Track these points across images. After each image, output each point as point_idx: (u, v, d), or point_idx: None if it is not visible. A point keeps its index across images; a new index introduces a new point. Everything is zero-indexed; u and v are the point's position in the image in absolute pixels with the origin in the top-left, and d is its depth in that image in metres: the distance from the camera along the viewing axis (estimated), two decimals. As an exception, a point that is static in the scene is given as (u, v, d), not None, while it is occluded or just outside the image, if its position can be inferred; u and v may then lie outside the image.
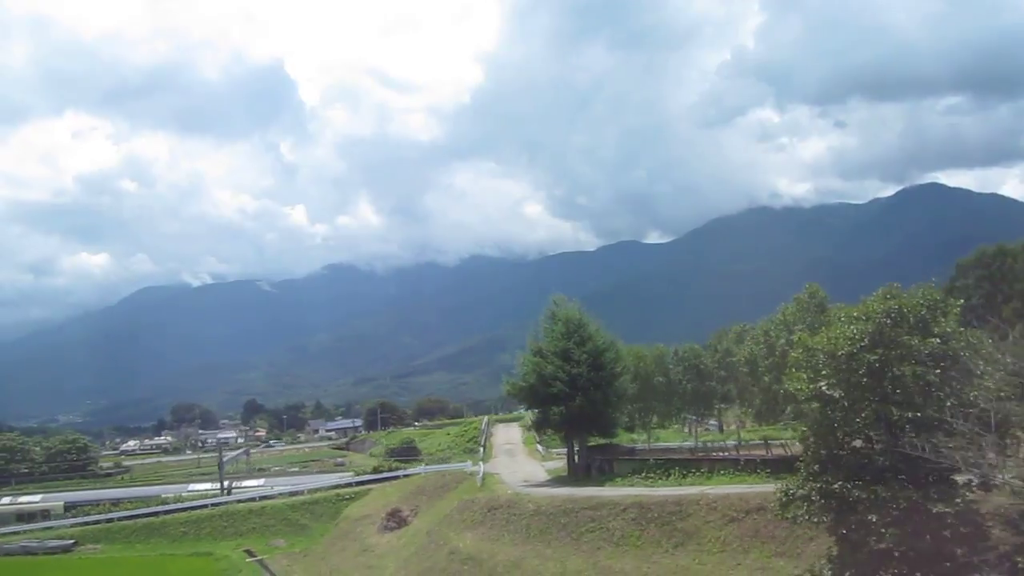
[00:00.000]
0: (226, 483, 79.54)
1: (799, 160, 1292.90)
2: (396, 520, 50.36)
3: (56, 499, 79.48)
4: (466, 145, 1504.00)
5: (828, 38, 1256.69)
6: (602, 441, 56.33)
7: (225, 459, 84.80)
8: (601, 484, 47.86)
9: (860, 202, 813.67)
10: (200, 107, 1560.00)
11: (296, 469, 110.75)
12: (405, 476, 69.35)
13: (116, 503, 75.24)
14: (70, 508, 75.05)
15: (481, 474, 51.76)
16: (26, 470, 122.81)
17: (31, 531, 68.45)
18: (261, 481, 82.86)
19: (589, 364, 49.87)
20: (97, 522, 68.58)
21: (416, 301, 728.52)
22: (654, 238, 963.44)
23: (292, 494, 70.14)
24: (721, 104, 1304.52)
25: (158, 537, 64.10)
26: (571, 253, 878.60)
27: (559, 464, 60.50)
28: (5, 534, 68.09)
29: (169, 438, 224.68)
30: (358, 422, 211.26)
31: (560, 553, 37.20)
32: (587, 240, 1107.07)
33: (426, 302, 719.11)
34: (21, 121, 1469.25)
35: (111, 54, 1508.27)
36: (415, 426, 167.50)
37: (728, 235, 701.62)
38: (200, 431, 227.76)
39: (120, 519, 68.41)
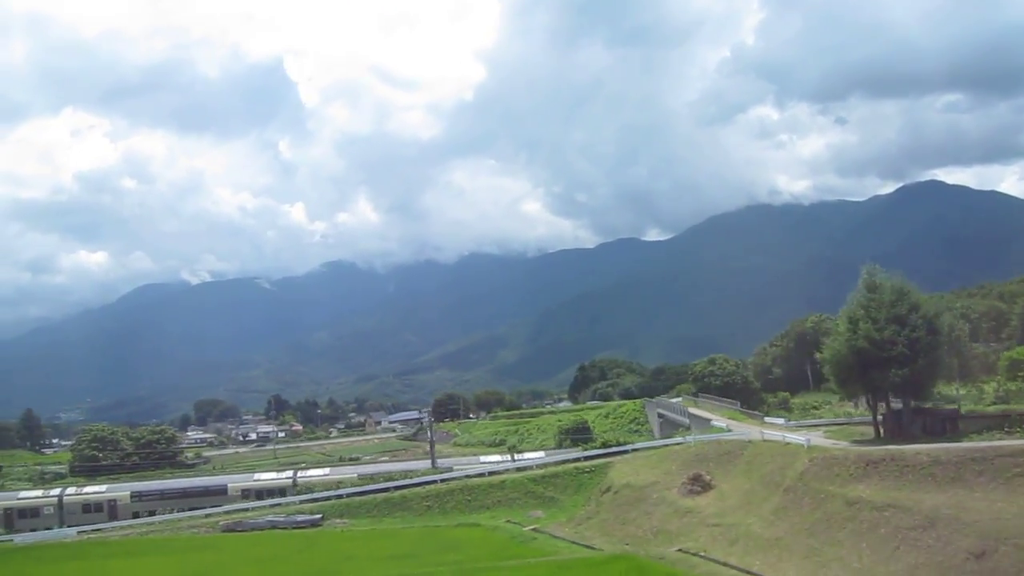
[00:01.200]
0: (289, 472, 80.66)
1: (798, 157, 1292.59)
2: (700, 484, 50.83)
3: (122, 488, 79.85)
4: (465, 142, 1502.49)
5: (828, 35, 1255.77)
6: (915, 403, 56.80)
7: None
8: (952, 441, 46.22)
9: (859, 199, 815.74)
10: (199, 105, 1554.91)
11: (386, 457, 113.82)
12: (653, 448, 68.55)
13: (185, 493, 76.29)
14: (135, 498, 75.63)
15: (808, 441, 51.25)
16: (116, 460, 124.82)
17: (273, 508, 68.66)
18: (327, 470, 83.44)
19: (926, 328, 51.60)
20: (327, 499, 68.84)
21: (416, 299, 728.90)
22: (654, 235, 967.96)
23: (520, 469, 70.50)
24: (721, 101, 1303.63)
25: (402, 511, 64.60)
26: (570, 250, 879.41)
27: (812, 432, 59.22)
28: (250, 510, 68.54)
29: (204, 432, 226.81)
30: (415, 414, 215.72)
31: (992, 497, 36.54)
32: (586, 237, 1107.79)
33: (426, 300, 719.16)
34: (19, 119, 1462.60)
35: (110, 52, 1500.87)
36: (479, 417, 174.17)
37: (727, 232, 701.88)
38: (240, 425, 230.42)
39: (351, 495, 68.79)
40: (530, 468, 69.87)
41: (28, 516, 73.17)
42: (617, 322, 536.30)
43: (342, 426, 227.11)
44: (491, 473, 69.89)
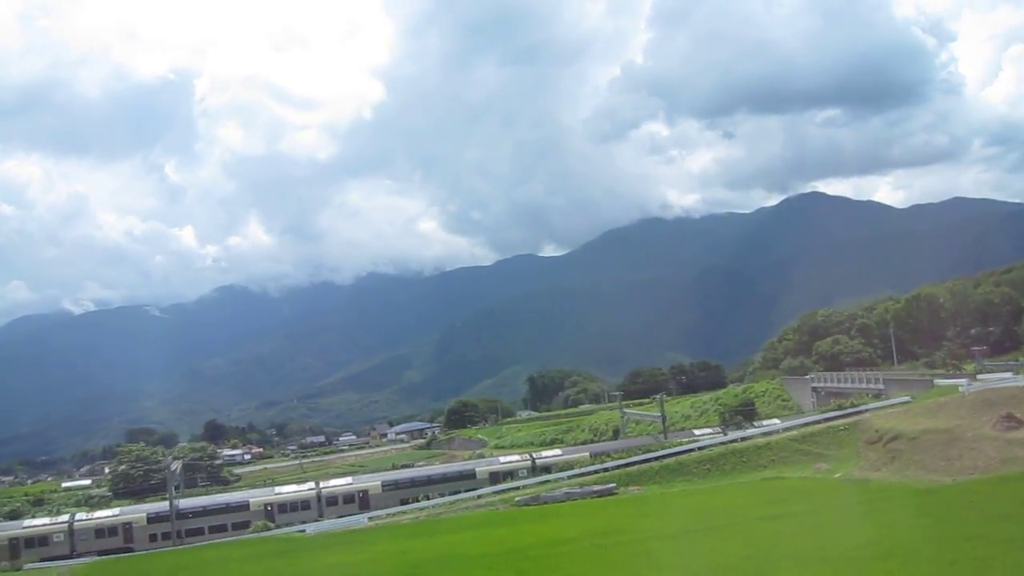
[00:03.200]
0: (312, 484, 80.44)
1: (688, 172, 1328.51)
2: (1015, 421, 52.44)
3: (138, 511, 76.37)
4: (360, 162, 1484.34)
5: (714, 53, 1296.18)
6: None
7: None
8: None
9: (747, 211, 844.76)
10: (79, 126, 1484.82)
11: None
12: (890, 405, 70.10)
13: (205, 511, 73.40)
14: (152, 521, 71.73)
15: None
16: (156, 481, 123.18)
17: (565, 480, 68.55)
18: (558, 451, 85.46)
19: None
20: (606, 469, 69.12)
21: (313, 321, 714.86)
22: (550, 251, 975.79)
23: (768, 433, 72.69)
24: (613, 118, 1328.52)
25: (684, 476, 65.01)
26: (468, 268, 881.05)
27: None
28: (546, 482, 69.14)
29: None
30: (421, 425, 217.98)
31: None
32: (483, 255, 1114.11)
33: (323, 322, 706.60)
34: None
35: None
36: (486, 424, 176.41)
37: (623, 246, 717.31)
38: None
39: (630, 464, 69.42)
40: (776, 432, 72.52)
41: (36, 545, 68.63)
42: (520, 337, 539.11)
43: (398, 435, 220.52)
44: (743, 439, 71.93)
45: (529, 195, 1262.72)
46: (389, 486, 76.79)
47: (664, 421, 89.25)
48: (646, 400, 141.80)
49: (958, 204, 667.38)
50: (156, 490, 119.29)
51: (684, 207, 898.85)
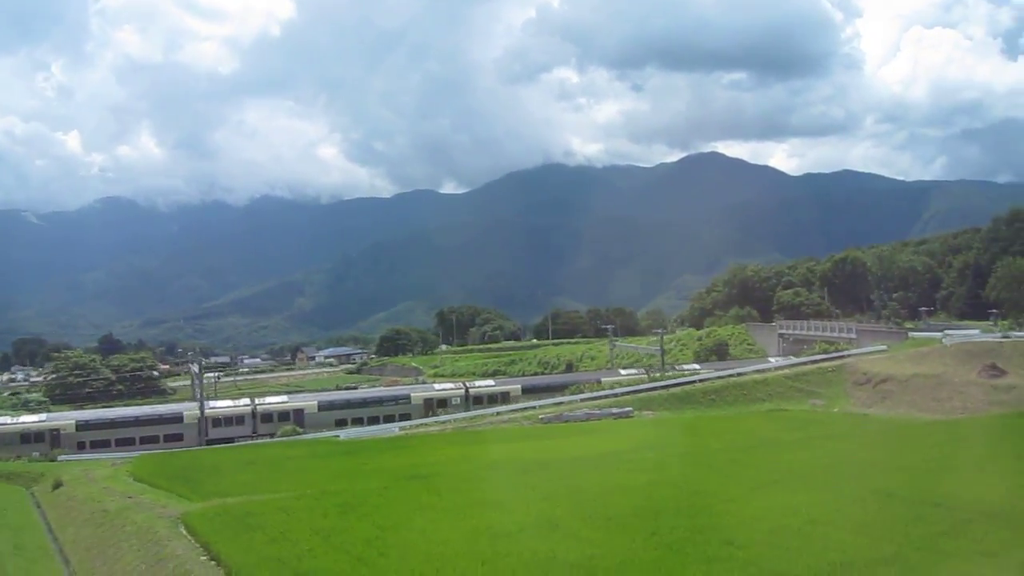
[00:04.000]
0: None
1: (593, 121, 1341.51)
2: (996, 371, 57.03)
3: (67, 418, 74.48)
4: (261, 80, 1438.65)
5: (630, 4, 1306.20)
6: None
7: None
8: None
9: (647, 165, 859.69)
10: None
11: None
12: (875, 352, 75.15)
13: (137, 421, 72.21)
14: (81, 428, 70.02)
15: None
16: (95, 388, 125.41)
17: (585, 402, 70.35)
18: (284, 397, 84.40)
19: None
20: (615, 395, 71.54)
21: (202, 241, 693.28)
22: (450, 188, 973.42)
23: (761, 370, 76.11)
24: (524, 60, 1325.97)
25: (691, 404, 67.83)
26: (366, 199, 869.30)
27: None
28: (565, 403, 70.29)
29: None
30: (348, 350, 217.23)
31: None
32: (383, 187, 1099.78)
33: (214, 242, 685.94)
34: None
35: None
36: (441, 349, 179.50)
37: (523, 189, 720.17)
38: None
39: (642, 391, 72.13)
40: (768, 370, 76.41)
41: None
42: (415, 273, 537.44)
43: (327, 358, 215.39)
44: (739, 373, 75.30)
45: (433, 130, 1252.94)
46: (325, 406, 77.23)
47: (663, 355, 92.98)
48: (565, 340, 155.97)
49: (847, 176, 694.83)
50: (92, 398, 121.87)
51: (587, 156, 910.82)
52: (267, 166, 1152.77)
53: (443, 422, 68.73)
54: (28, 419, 74.92)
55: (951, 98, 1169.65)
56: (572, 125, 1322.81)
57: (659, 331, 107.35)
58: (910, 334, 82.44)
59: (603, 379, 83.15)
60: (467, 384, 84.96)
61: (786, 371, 74.80)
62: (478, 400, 79.22)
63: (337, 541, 21.56)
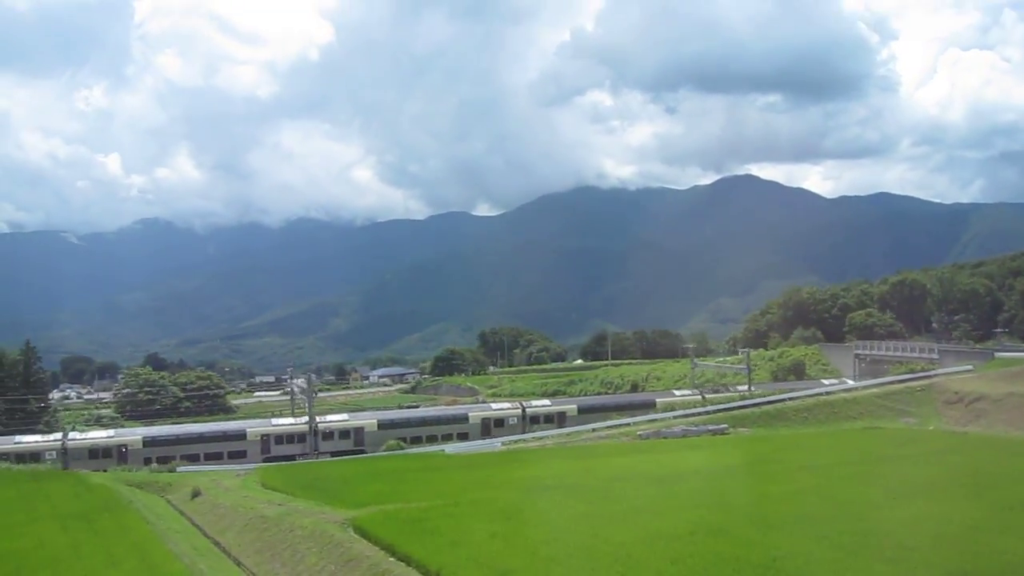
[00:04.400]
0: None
1: (627, 144, 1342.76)
2: None
3: (134, 434, 75.96)
4: (299, 103, 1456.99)
5: (664, 27, 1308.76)
6: None
7: None
8: None
9: (681, 188, 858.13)
10: (3, 38, 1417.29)
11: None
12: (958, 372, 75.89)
13: (202, 438, 73.28)
14: (148, 444, 71.24)
15: None
16: (167, 405, 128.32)
17: (677, 419, 70.58)
18: (344, 415, 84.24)
19: None
20: (708, 412, 72.26)
21: (239, 262, 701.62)
22: (484, 211, 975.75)
23: (849, 389, 77.54)
24: (558, 83, 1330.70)
25: (784, 422, 68.36)
26: (400, 221, 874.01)
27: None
28: (659, 420, 71.12)
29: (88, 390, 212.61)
30: (402, 370, 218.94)
31: None
32: (417, 209, 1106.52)
33: (249, 264, 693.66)
34: None
35: None
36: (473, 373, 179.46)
37: (556, 212, 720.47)
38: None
39: (735, 408, 73.22)
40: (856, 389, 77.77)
41: (28, 461, 67.86)
42: (450, 295, 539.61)
43: (381, 378, 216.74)
44: (827, 393, 76.71)
45: (468, 153, 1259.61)
46: (385, 424, 77.71)
47: (749, 373, 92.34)
48: (625, 361, 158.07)
49: (883, 199, 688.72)
50: (160, 414, 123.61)
51: (620, 178, 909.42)
52: (303, 188, 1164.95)
53: (541, 438, 69.25)
54: (97, 435, 76.02)
55: (989, 120, 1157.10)
56: (605, 148, 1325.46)
57: (744, 350, 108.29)
58: (996, 354, 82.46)
59: (658, 400, 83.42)
60: (523, 404, 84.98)
61: (874, 390, 74.92)
62: (534, 420, 79.45)
63: (518, 544, 22.36)
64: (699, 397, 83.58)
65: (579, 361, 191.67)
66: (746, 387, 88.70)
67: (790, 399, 74.86)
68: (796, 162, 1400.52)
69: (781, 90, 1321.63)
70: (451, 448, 66.08)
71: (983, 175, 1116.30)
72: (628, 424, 70.86)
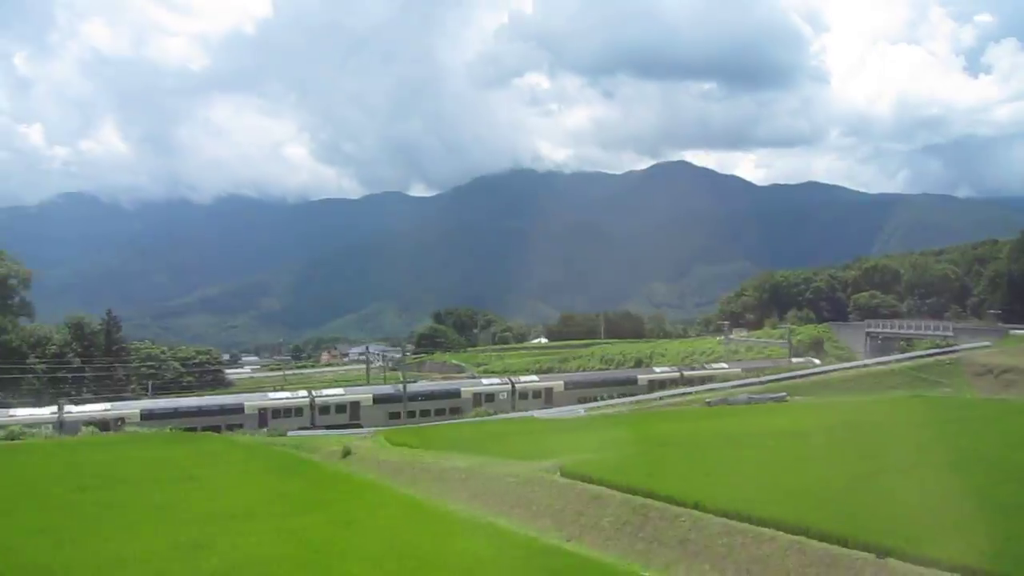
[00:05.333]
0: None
1: (563, 127, 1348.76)
2: None
3: (132, 407, 74.71)
4: (231, 78, 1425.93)
5: (603, 13, 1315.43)
6: None
7: None
8: None
9: (616, 172, 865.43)
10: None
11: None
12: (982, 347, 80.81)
13: (200, 411, 72.14)
14: (146, 417, 69.17)
15: None
16: (162, 380, 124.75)
17: (735, 388, 73.63)
18: (340, 390, 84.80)
19: None
20: (762, 383, 75.38)
21: (167, 239, 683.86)
22: (419, 191, 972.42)
23: (884, 362, 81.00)
24: (495, 65, 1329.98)
25: (831, 390, 70.29)
26: (334, 200, 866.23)
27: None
28: (719, 389, 73.49)
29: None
30: (379, 347, 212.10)
31: None
32: (351, 188, 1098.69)
33: (178, 240, 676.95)
34: None
35: None
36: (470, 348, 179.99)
37: (493, 194, 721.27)
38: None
39: (783, 379, 76.38)
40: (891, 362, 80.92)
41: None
42: (385, 275, 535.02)
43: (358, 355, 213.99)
44: (864, 365, 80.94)
45: (403, 133, 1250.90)
46: (380, 399, 78.72)
47: (790, 348, 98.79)
48: (623, 340, 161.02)
49: (813, 188, 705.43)
50: (163, 388, 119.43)
51: (556, 161, 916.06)
52: (233, 165, 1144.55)
53: (613, 405, 72.03)
54: (93, 408, 74.37)
55: (914, 113, 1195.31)
56: (542, 130, 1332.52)
57: (784, 325, 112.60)
58: (1010, 332, 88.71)
59: (639, 376, 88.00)
60: (512, 380, 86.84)
61: (907, 363, 78.91)
62: (523, 395, 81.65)
63: (763, 478, 26.45)
64: (678, 374, 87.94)
65: (542, 340, 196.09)
66: (725, 364, 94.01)
67: (834, 370, 79.96)
68: (729, 150, 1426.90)
69: (716, 78, 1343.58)
70: (539, 414, 68.89)
71: (907, 166, 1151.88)
72: (690, 393, 74.84)
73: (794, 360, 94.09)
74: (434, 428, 60.62)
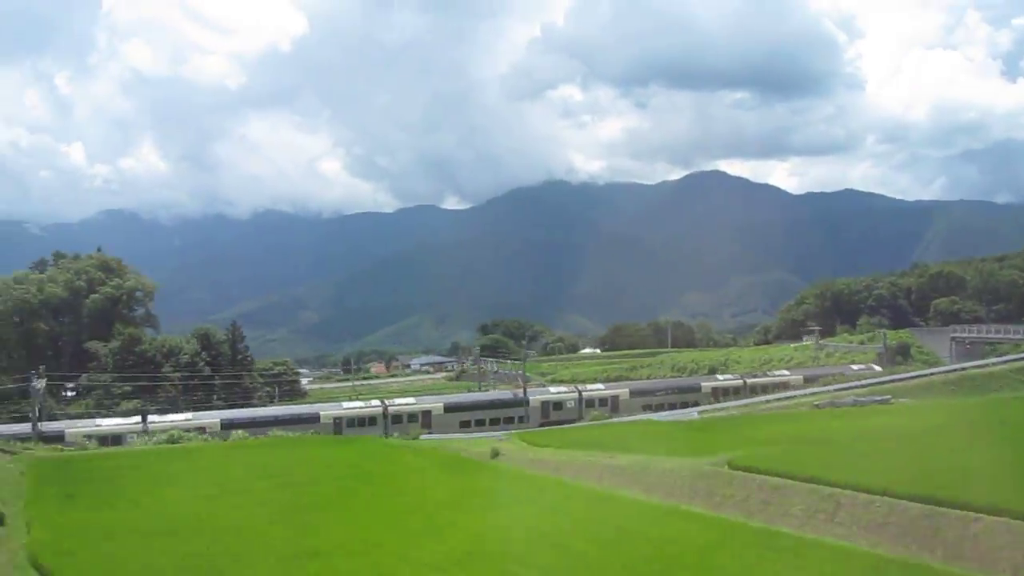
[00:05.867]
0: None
1: (596, 138, 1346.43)
2: None
3: (212, 417, 77.21)
4: (266, 94, 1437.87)
5: (634, 23, 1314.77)
6: None
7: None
8: None
9: (650, 183, 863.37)
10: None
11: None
12: None
13: (277, 420, 73.73)
14: (225, 426, 70.67)
15: None
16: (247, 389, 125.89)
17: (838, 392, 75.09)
18: (411, 399, 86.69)
19: None
20: (862, 385, 77.43)
21: (205, 254, 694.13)
22: (452, 204, 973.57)
23: (982, 366, 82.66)
24: (528, 77, 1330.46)
25: (933, 394, 71.13)
26: (369, 214, 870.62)
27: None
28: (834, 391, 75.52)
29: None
30: (439, 358, 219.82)
31: None
32: (385, 201, 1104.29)
33: (216, 256, 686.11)
34: None
35: None
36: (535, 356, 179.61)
37: (526, 206, 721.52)
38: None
39: (885, 382, 78.06)
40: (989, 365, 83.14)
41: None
42: (420, 288, 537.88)
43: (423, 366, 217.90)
44: (963, 369, 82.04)
45: (437, 146, 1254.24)
46: (451, 407, 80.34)
47: (885, 352, 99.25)
48: (633, 351, 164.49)
49: (849, 196, 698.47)
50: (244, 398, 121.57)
51: (589, 173, 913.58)
52: (270, 180, 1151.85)
53: (723, 408, 73.83)
54: (176, 418, 76.09)
55: (951, 119, 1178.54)
56: (575, 142, 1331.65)
57: (882, 330, 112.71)
58: None
59: (702, 384, 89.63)
60: (579, 388, 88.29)
61: (1004, 367, 79.93)
62: (590, 403, 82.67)
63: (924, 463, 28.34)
64: (740, 382, 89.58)
65: (596, 351, 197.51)
66: (787, 372, 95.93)
67: (935, 373, 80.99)
68: (763, 158, 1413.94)
69: (749, 87, 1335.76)
70: (656, 416, 71.27)
71: (944, 173, 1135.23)
72: (794, 397, 76.73)
73: (854, 367, 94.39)
74: (561, 431, 62.51)
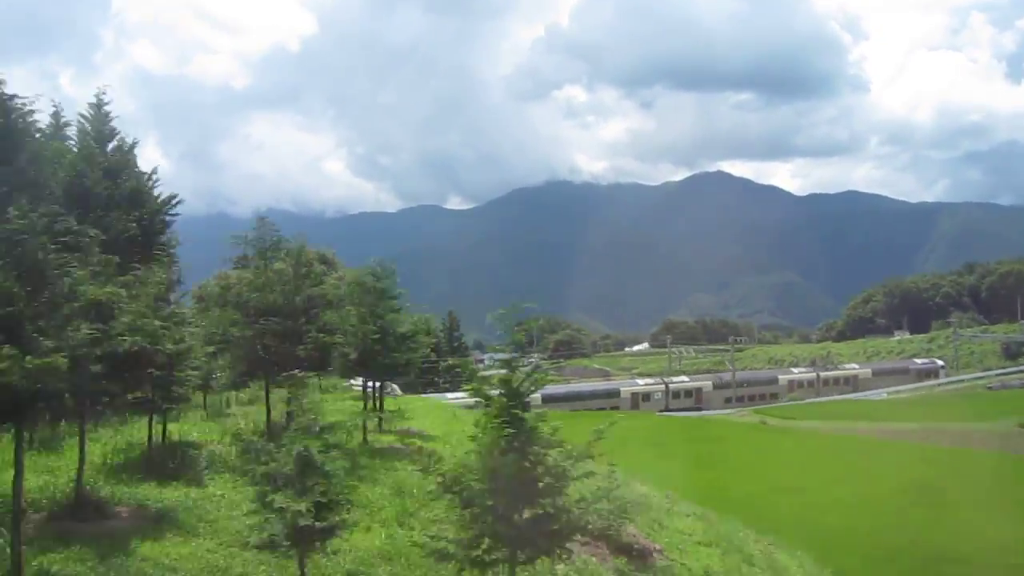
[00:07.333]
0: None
1: (599, 138, 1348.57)
2: None
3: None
4: (270, 94, 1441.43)
5: (639, 25, 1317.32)
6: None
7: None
8: None
9: (653, 184, 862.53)
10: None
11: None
12: None
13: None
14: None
15: None
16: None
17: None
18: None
19: None
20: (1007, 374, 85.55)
21: (206, 253, 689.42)
22: (455, 204, 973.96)
23: None
24: (532, 78, 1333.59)
25: None
26: (371, 213, 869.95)
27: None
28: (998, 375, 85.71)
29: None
30: (505, 355, 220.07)
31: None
32: (388, 201, 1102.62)
33: (218, 254, 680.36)
34: None
35: None
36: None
37: (529, 206, 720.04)
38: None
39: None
40: None
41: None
42: (426, 288, 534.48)
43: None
44: None
45: (440, 146, 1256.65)
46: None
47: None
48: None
49: (852, 197, 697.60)
50: None
51: (592, 173, 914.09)
52: (272, 179, 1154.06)
53: (900, 391, 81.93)
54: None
55: (955, 121, 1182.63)
56: (578, 142, 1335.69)
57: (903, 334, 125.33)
58: None
59: (779, 377, 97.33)
60: (666, 380, 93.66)
61: None
62: (676, 395, 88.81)
63: None
64: (814, 374, 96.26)
65: (644, 346, 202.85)
66: (856, 365, 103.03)
67: None
68: (766, 160, 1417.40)
69: (753, 88, 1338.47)
70: (859, 396, 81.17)
71: (948, 174, 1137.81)
72: (964, 380, 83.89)
73: (917, 362, 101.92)
74: (796, 406, 74.03)
